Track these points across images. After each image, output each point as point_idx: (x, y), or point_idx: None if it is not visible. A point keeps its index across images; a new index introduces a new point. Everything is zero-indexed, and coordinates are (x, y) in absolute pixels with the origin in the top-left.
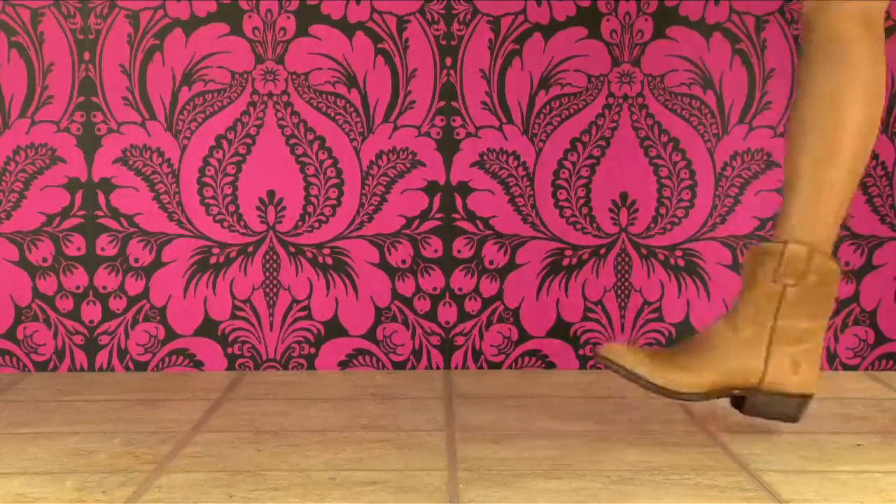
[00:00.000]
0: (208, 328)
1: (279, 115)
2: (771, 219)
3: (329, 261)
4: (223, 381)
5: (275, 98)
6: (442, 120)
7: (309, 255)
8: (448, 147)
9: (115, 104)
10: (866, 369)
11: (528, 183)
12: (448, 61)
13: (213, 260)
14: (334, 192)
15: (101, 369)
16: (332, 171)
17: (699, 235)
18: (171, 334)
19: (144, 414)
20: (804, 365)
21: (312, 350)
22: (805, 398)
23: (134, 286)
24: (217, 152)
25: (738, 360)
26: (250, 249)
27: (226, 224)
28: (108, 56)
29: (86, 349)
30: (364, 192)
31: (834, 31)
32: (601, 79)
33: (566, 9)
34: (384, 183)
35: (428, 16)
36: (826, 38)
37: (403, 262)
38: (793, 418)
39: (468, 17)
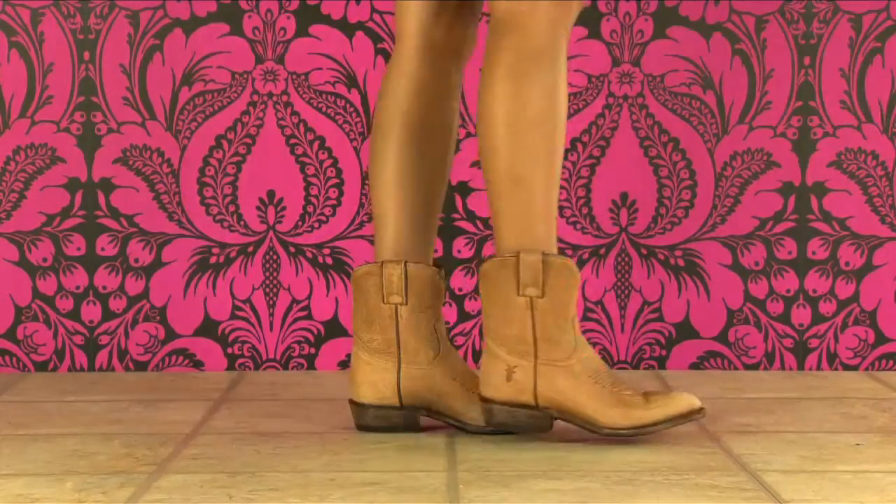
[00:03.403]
0: (208, 328)
1: (279, 115)
2: (771, 218)
3: (329, 261)
4: (223, 381)
5: (275, 98)
6: None
7: (309, 255)
8: None
9: (115, 104)
10: (866, 369)
11: None
12: None
13: (213, 260)
14: (334, 192)
15: (101, 369)
16: (332, 171)
17: (699, 235)
18: (171, 334)
19: (144, 415)
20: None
21: (312, 350)
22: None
23: (134, 286)
24: (217, 152)
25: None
26: (250, 249)
27: (226, 224)
28: (108, 56)
29: (86, 349)
30: (364, 192)
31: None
32: (601, 79)
33: None
34: None
35: None
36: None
37: None
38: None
39: None
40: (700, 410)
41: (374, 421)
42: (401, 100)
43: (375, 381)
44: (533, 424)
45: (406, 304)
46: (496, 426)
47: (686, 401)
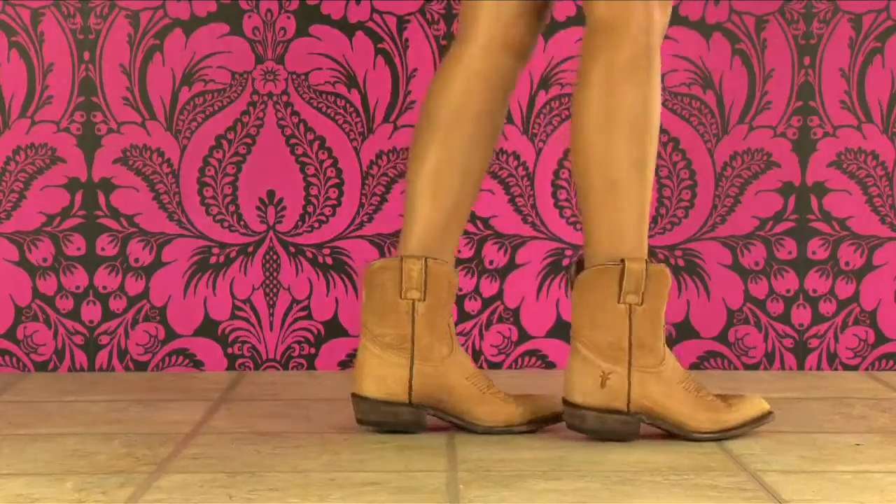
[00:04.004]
0: (208, 328)
1: (279, 115)
2: (771, 218)
3: (329, 261)
4: (223, 381)
5: (275, 98)
6: None
7: (309, 255)
8: None
9: (115, 104)
10: (866, 369)
11: (528, 183)
12: None
13: (213, 260)
14: (334, 192)
15: (101, 369)
16: (332, 171)
17: (699, 235)
18: (171, 334)
19: (144, 415)
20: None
21: (312, 350)
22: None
23: (134, 286)
24: (217, 152)
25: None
26: (250, 249)
27: (226, 224)
28: (108, 56)
29: (86, 349)
30: (364, 192)
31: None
32: None
33: (567, 9)
34: (384, 183)
35: (428, 16)
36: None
37: None
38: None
39: None
40: (769, 413)
41: (380, 416)
42: (457, 95)
43: (384, 375)
44: (622, 430)
45: (424, 300)
46: (586, 432)
47: (758, 404)
